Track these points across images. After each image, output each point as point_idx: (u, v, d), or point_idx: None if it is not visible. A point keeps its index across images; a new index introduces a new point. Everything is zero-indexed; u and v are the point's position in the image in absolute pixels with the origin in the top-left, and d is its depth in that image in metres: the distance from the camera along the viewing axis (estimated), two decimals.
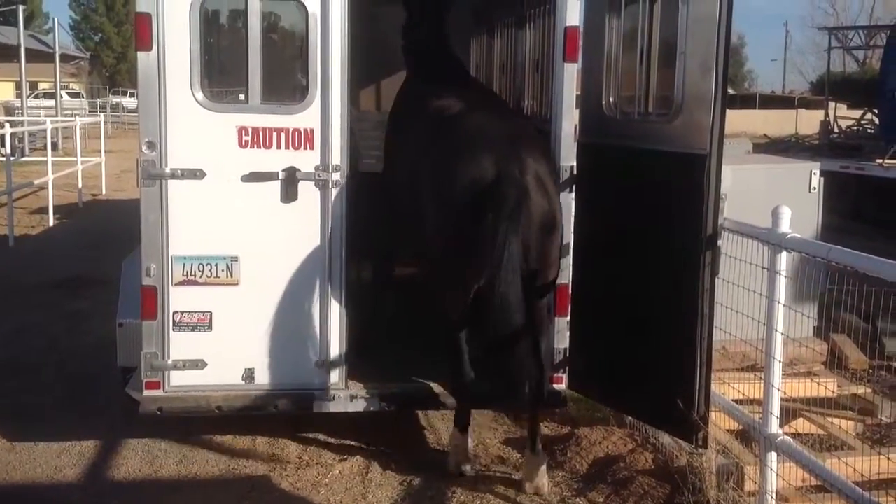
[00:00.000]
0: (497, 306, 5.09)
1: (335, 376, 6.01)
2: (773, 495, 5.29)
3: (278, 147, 5.75)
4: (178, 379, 5.88)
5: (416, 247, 6.62)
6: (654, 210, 5.33)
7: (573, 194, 5.92)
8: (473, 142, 5.55)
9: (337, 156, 5.80)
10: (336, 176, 5.80)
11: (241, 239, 5.80)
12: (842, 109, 29.45)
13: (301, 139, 5.77)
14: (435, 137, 5.85)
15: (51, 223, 16.72)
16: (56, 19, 42.15)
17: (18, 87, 36.00)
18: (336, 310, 5.95)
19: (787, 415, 6.38)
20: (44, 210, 17.28)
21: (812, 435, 6.86)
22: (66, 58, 46.97)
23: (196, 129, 5.68)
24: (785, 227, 5.24)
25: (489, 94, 7.75)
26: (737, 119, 45.10)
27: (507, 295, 5.08)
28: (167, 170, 5.67)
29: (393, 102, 7.33)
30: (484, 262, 5.14)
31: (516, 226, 5.12)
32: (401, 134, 6.68)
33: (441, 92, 6.36)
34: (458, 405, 6.02)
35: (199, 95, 5.66)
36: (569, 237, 5.86)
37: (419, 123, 6.24)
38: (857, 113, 26.53)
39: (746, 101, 57.59)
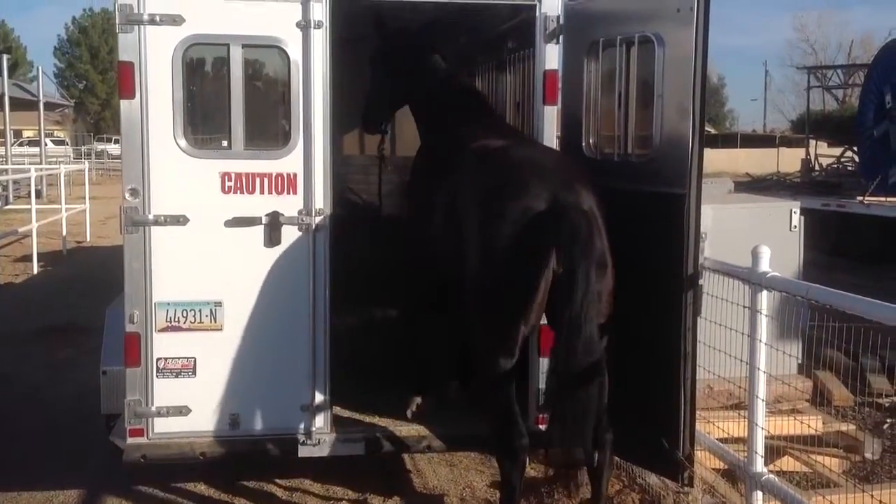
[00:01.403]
0: (581, 350, 4.73)
1: (321, 421, 5.98)
2: None
3: (261, 192, 5.77)
4: (162, 426, 5.83)
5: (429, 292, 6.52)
6: (635, 250, 5.35)
7: None
8: (522, 171, 5.19)
9: (320, 200, 5.83)
10: (319, 220, 5.83)
11: (225, 284, 5.79)
12: (822, 147, 29.80)
13: (284, 184, 5.79)
14: (476, 172, 5.45)
15: (35, 271, 16.65)
16: (40, 68, 42.32)
17: (2, 135, 35.97)
18: (321, 354, 5.94)
19: (773, 453, 6.39)
20: (28, 258, 17.21)
21: (798, 472, 6.87)
22: (50, 105, 47.14)
23: (179, 175, 5.69)
24: (765, 266, 5.30)
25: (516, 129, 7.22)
26: (718, 158, 45.56)
27: (594, 337, 4.78)
28: (150, 216, 5.68)
29: (419, 152, 6.85)
30: (532, 302, 4.86)
31: (591, 259, 4.79)
32: (431, 178, 6.13)
33: (471, 128, 6.07)
34: (506, 471, 5.30)
35: (182, 142, 5.69)
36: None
37: (453, 162, 5.76)
38: (837, 151, 26.85)
39: (728, 141, 58.02)
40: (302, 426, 5.94)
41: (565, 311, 4.74)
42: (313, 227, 5.81)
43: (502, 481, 5.36)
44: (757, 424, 5.32)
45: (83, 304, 12.47)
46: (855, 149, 23.36)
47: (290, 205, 5.80)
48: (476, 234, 5.16)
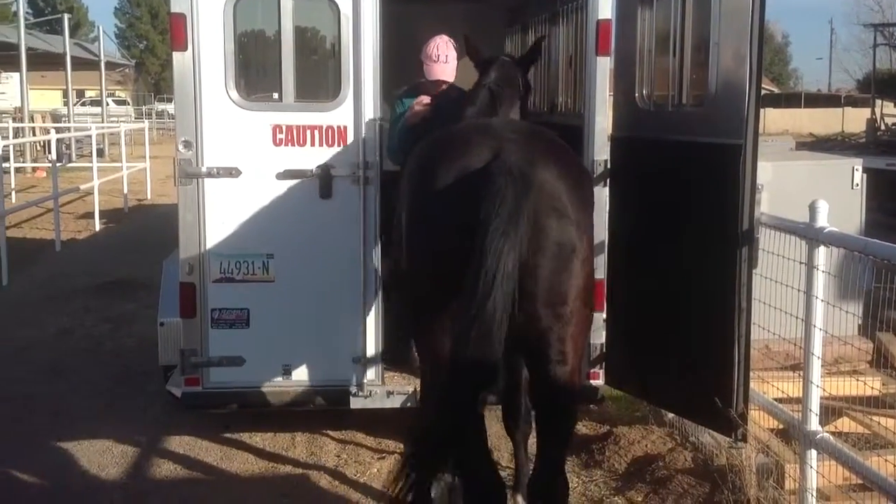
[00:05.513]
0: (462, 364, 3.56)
1: (372, 373, 6.03)
2: (814, 493, 5.20)
3: (312, 144, 5.79)
4: (216, 375, 5.94)
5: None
6: (690, 202, 5.26)
7: (607, 189, 5.89)
8: (456, 133, 4.32)
9: (370, 153, 5.82)
10: (370, 173, 5.82)
11: (277, 236, 5.84)
12: (889, 107, 29.06)
13: (334, 136, 5.80)
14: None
15: (97, 228, 16.95)
16: (101, 28, 42.80)
17: (65, 94, 36.57)
18: (372, 305, 5.96)
19: (830, 413, 6.28)
20: (90, 215, 17.53)
21: (856, 434, 6.74)
22: (111, 66, 47.68)
23: (231, 127, 5.73)
24: (822, 221, 5.15)
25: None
26: (782, 118, 44.71)
27: (489, 338, 3.53)
28: (203, 168, 5.73)
29: None
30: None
31: (512, 235, 3.60)
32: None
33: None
34: None
35: (234, 94, 5.71)
36: (603, 233, 5.79)
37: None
38: None
39: (791, 101, 56.86)
40: (354, 378, 6.00)
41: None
42: (363, 179, 5.81)
43: None
44: (812, 382, 5.21)
45: (143, 260, 12.63)
46: None
47: (340, 157, 5.81)
48: (404, 199, 4.29)
